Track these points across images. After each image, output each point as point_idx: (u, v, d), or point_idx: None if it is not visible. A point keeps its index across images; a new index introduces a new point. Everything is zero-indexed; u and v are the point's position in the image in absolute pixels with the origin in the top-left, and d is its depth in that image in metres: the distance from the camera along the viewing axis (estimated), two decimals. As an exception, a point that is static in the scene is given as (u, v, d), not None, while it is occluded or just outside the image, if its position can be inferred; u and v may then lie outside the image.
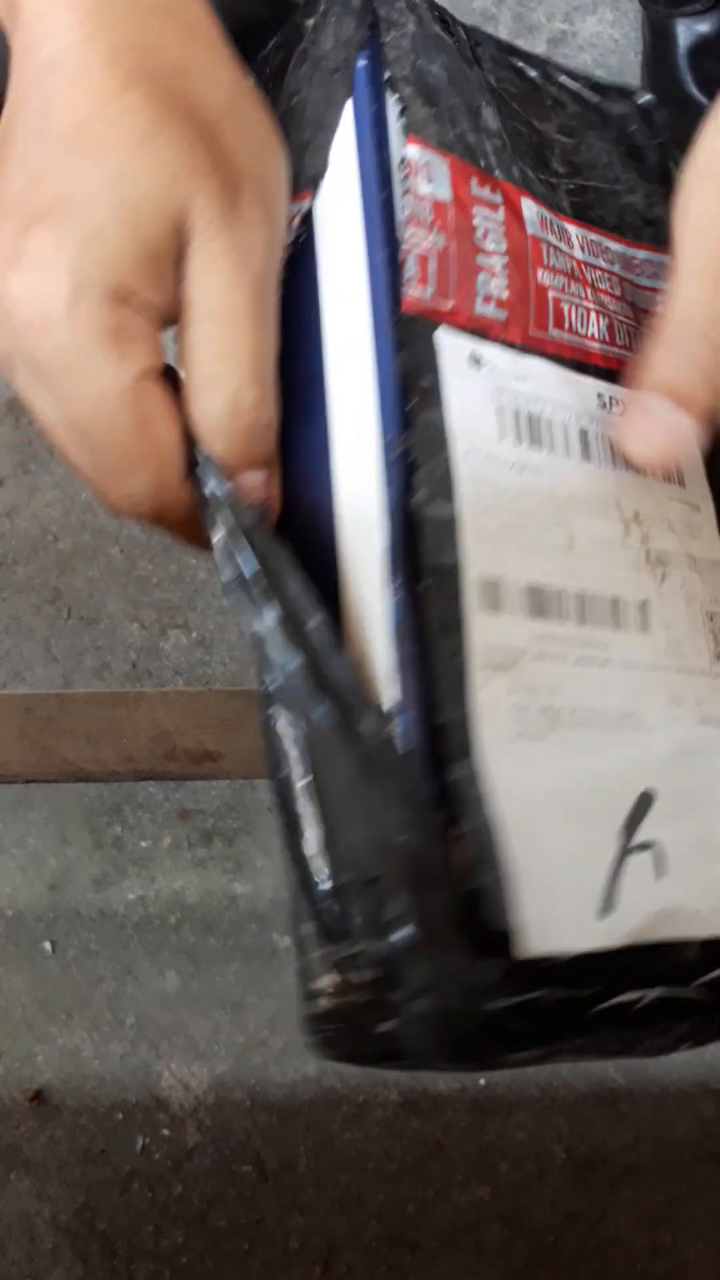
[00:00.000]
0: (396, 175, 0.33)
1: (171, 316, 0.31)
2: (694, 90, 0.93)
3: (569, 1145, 0.88)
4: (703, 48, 0.92)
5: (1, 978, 0.90)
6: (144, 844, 0.92)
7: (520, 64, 0.39)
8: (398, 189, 0.33)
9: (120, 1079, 0.89)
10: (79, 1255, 0.87)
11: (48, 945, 0.90)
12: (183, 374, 0.32)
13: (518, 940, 0.28)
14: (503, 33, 1.01)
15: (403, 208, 0.33)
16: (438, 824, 0.28)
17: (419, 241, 0.33)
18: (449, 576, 0.31)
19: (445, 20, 0.36)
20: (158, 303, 0.31)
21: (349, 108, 0.33)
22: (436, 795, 0.29)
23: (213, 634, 0.94)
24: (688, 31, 0.92)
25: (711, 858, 0.32)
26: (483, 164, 0.35)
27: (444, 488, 0.31)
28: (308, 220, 0.33)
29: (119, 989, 0.90)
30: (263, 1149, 0.88)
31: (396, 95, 0.34)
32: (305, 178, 0.33)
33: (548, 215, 0.36)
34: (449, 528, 0.31)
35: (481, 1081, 0.89)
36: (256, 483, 0.32)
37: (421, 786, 0.29)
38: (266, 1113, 0.89)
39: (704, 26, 0.92)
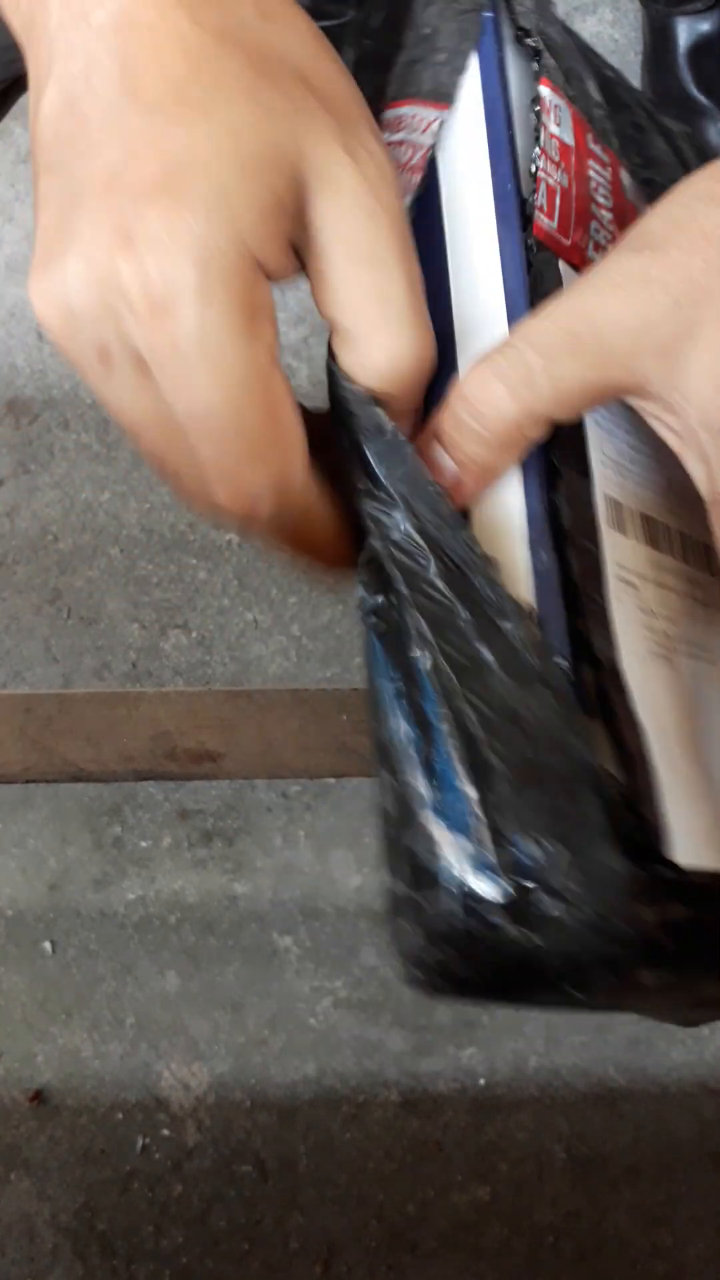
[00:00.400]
0: (519, 115, 0.34)
1: (287, 277, 0.29)
2: (694, 90, 0.93)
3: (569, 1145, 0.88)
4: (703, 47, 0.92)
5: (1, 978, 0.90)
6: (144, 844, 0.92)
7: (596, 60, 0.40)
8: (519, 128, 0.34)
9: (120, 1079, 0.89)
10: (79, 1255, 0.87)
11: (48, 945, 0.90)
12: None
13: (669, 848, 0.27)
14: (503, 33, 1.02)
15: (532, 143, 0.34)
16: (587, 723, 0.28)
17: (549, 174, 0.34)
18: (580, 489, 0.31)
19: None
20: (277, 267, 0.28)
21: (475, 55, 0.35)
22: (583, 696, 0.28)
23: (212, 634, 0.94)
24: (688, 31, 0.92)
25: None
26: (593, 125, 0.37)
27: None
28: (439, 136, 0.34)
29: (119, 989, 0.90)
30: (263, 1149, 0.88)
31: (528, 41, 0.35)
32: (441, 92, 0.34)
33: (637, 190, 0.38)
34: (578, 443, 0.32)
35: (481, 1081, 0.89)
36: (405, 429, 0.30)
37: (570, 687, 0.28)
38: (266, 1113, 0.89)
39: (704, 26, 0.92)
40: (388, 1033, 0.89)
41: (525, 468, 0.31)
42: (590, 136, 0.36)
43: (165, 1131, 0.88)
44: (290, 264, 0.29)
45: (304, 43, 0.30)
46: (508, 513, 0.30)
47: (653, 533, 0.33)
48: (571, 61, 0.37)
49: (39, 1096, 0.89)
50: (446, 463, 0.30)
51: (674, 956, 0.27)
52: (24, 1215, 0.88)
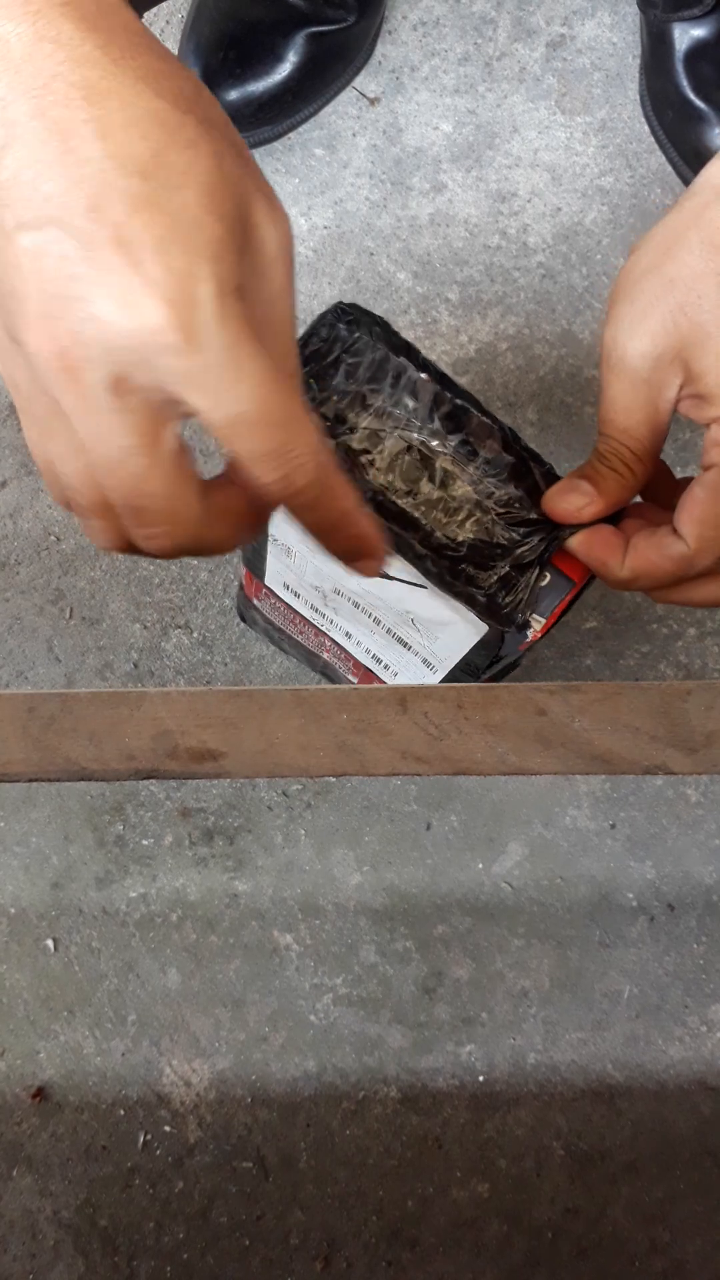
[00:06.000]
0: None
1: None
2: (691, 95, 0.94)
3: (568, 1142, 0.89)
4: (700, 52, 0.93)
5: (4, 975, 0.90)
6: (146, 842, 0.92)
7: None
8: None
9: (122, 1076, 0.89)
10: (81, 1251, 0.88)
11: (50, 943, 0.91)
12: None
13: None
14: (501, 37, 1.02)
15: None
16: None
17: None
18: None
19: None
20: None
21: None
22: None
23: (214, 634, 0.94)
24: (685, 36, 0.93)
25: None
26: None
27: None
28: None
29: (121, 986, 0.90)
30: (263, 1145, 0.88)
31: None
32: None
33: None
34: None
35: (480, 1078, 0.89)
36: None
37: None
38: (267, 1109, 0.89)
39: (701, 31, 0.92)
40: (387, 1030, 0.90)
41: None
42: None
43: (167, 1128, 0.89)
44: None
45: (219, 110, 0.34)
46: None
47: None
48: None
49: (41, 1093, 0.89)
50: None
51: None
52: (26, 1212, 0.88)
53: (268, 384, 0.32)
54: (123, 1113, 0.89)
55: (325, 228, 1.00)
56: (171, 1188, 0.88)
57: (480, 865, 0.91)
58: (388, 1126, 0.89)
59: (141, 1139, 0.89)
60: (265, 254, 0.33)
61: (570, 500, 0.50)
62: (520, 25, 1.02)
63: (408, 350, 0.52)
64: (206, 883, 0.91)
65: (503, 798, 0.92)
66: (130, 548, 0.38)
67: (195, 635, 0.94)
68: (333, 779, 0.91)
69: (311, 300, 0.98)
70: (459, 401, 0.52)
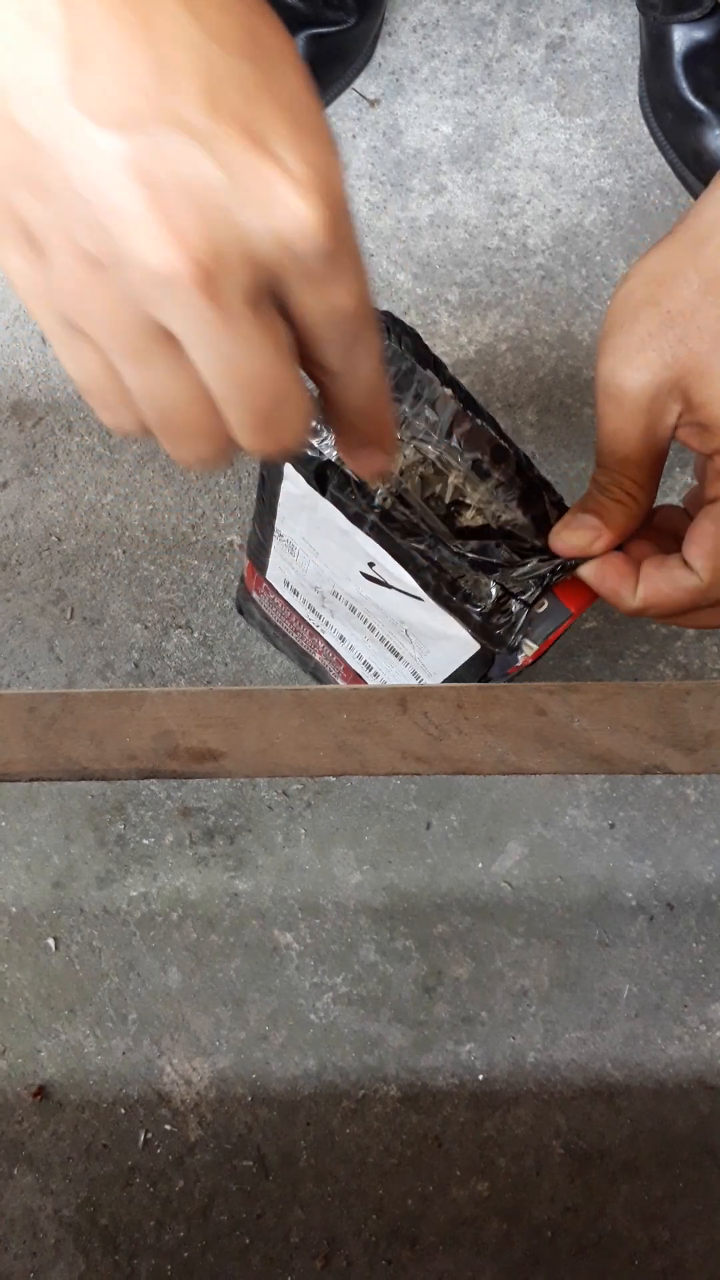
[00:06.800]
0: None
1: None
2: (690, 96, 0.94)
3: (567, 1141, 0.89)
4: (699, 54, 0.93)
5: (5, 974, 0.91)
6: (146, 841, 0.92)
7: None
8: None
9: (123, 1074, 0.90)
10: (81, 1250, 0.88)
11: (51, 942, 0.91)
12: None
13: None
14: (501, 38, 1.02)
15: None
16: None
17: None
18: None
19: None
20: None
21: None
22: None
23: (214, 634, 0.94)
24: (684, 38, 0.93)
25: None
26: None
27: None
28: None
29: (121, 985, 0.90)
30: (264, 1144, 0.89)
31: None
32: None
33: None
34: None
35: (480, 1077, 0.90)
36: None
37: None
38: (267, 1108, 0.89)
39: (700, 33, 0.93)
40: (387, 1028, 0.90)
41: None
42: None
43: (167, 1126, 0.89)
44: None
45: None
46: None
47: None
48: None
49: (42, 1092, 0.89)
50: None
51: None
52: (27, 1210, 0.88)
53: (364, 272, 0.30)
54: (123, 1111, 0.89)
55: (325, 229, 1.00)
56: (172, 1186, 0.88)
57: (480, 864, 0.92)
58: (388, 1125, 0.89)
59: (142, 1137, 0.89)
60: None
61: (579, 536, 0.51)
62: (520, 27, 1.02)
63: (435, 365, 0.52)
64: (207, 882, 0.91)
65: (502, 797, 0.92)
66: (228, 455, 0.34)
67: (196, 635, 0.94)
68: (333, 779, 0.91)
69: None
70: (479, 422, 0.52)
